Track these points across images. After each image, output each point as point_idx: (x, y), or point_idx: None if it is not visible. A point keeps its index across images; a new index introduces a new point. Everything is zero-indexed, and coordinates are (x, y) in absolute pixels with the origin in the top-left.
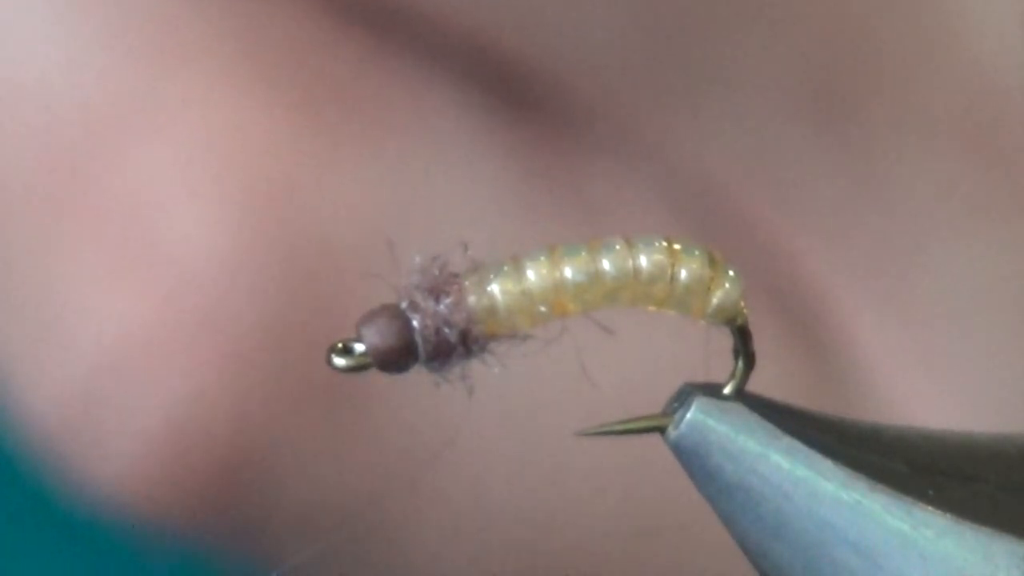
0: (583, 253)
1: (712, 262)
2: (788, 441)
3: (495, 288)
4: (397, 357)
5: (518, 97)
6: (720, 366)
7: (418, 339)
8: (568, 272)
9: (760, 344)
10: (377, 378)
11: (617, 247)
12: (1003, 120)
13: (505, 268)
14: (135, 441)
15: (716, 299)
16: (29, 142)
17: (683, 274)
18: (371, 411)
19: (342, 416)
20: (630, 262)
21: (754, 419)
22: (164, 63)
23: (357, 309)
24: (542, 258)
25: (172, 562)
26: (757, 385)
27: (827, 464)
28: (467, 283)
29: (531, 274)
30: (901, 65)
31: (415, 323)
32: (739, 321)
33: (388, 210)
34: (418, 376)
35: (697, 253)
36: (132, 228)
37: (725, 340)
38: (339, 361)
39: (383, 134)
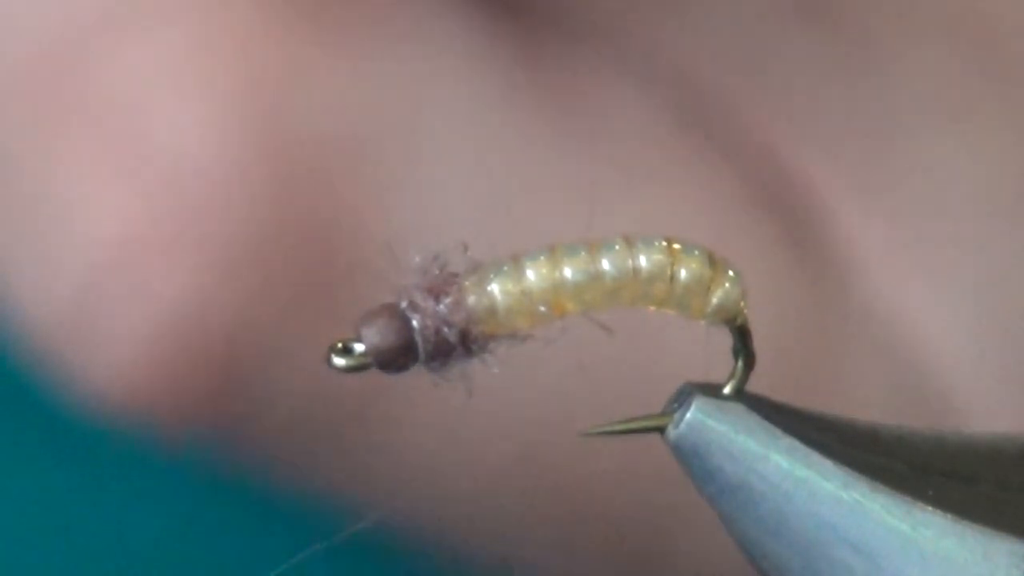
0: (583, 253)
1: (712, 262)
2: (788, 441)
3: (495, 288)
4: (397, 357)
5: None
6: (720, 366)
7: (418, 339)
8: (568, 272)
9: (754, 241)
10: (372, 285)
11: (617, 247)
12: (995, 20)
13: (505, 268)
14: (132, 340)
15: (716, 299)
16: (19, 41)
17: (683, 274)
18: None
19: (336, 316)
20: (630, 262)
21: (754, 419)
22: None
23: (347, 209)
24: (542, 258)
25: (167, 463)
26: (753, 272)
27: (827, 464)
28: (467, 283)
29: (531, 274)
30: None
31: (415, 323)
32: (739, 321)
33: (378, 107)
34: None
35: (697, 253)
36: (125, 127)
37: (725, 340)
38: (339, 361)
39: (376, 33)
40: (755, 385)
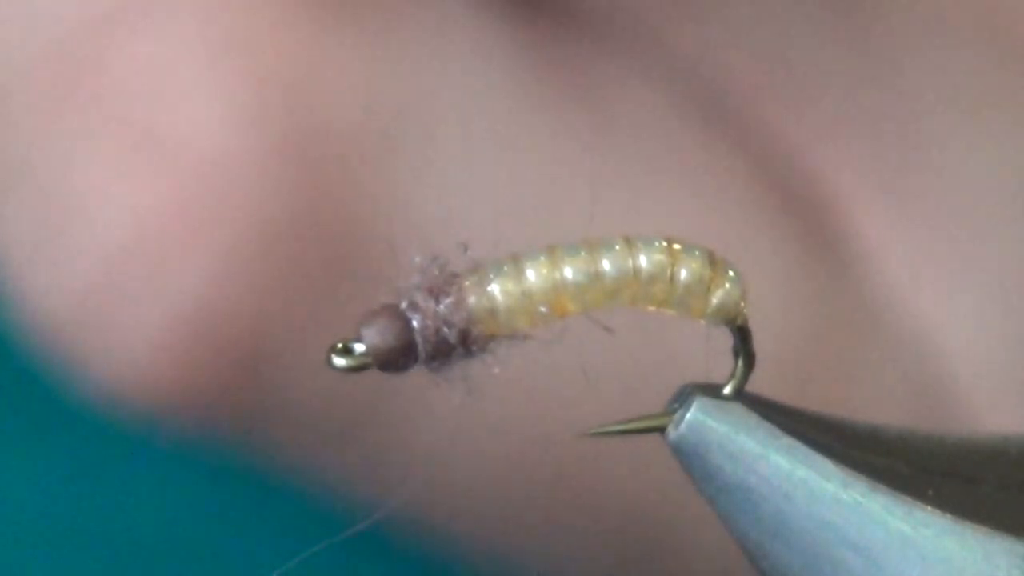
0: (583, 253)
1: (712, 262)
2: (788, 441)
3: (495, 288)
4: (397, 357)
5: None
6: (721, 366)
7: (418, 339)
8: (568, 272)
9: (767, 237)
10: (394, 274)
11: (617, 247)
12: (1015, 14)
13: (505, 268)
14: (148, 331)
15: (716, 299)
16: (32, 35)
17: (683, 274)
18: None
19: (355, 308)
20: (630, 262)
21: (754, 419)
22: None
23: (366, 199)
24: (542, 258)
25: (181, 455)
26: (768, 269)
27: (827, 464)
28: (467, 283)
29: (531, 274)
30: None
31: (415, 323)
32: (739, 321)
33: (395, 99)
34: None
35: (697, 253)
36: (140, 117)
37: (725, 340)
38: (339, 361)
39: (390, 24)
40: (771, 374)
